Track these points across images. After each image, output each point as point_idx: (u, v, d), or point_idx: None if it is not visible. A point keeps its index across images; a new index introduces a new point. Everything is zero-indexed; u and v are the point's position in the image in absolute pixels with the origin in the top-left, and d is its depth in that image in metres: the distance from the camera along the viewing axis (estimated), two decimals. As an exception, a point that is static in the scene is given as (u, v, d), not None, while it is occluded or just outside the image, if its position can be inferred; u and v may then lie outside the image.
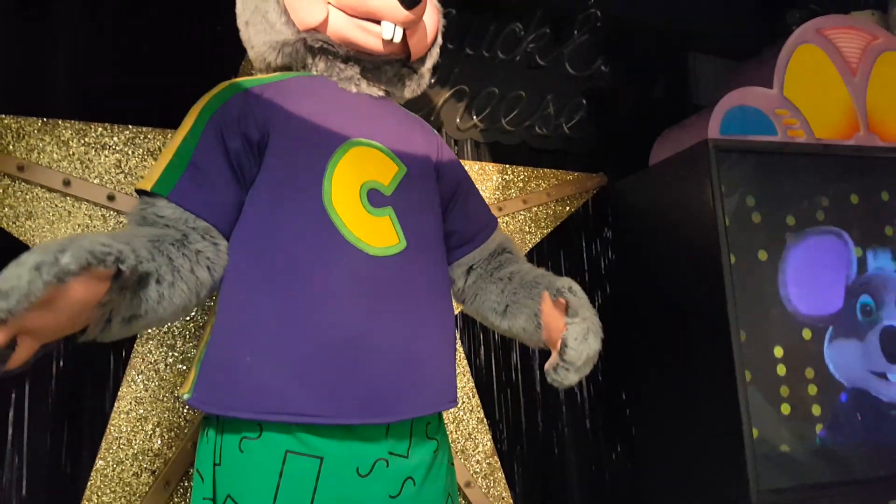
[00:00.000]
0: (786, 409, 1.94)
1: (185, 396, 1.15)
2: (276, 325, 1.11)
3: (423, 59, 1.42)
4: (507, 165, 2.22)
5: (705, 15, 2.87)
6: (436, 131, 1.51)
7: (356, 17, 1.27)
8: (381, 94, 1.39)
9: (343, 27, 1.27)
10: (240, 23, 1.38)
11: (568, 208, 2.30)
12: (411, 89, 1.45)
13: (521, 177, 2.22)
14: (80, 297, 0.87)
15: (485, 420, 2.06)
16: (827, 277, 2.08)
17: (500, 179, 2.17)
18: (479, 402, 2.06)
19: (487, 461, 2.03)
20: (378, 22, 1.27)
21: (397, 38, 1.28)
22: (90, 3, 1.86)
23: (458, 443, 2.00)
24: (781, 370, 1.96)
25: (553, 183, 2.27)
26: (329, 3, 1.27)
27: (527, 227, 2.20)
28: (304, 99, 1.26)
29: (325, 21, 1.26)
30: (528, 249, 2.22)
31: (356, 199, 1.20)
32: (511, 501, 2.04)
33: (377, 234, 1.20)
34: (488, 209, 1.56)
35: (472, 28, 2.34)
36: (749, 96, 2.07)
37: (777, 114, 2.07)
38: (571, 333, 1.22)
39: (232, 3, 1.45)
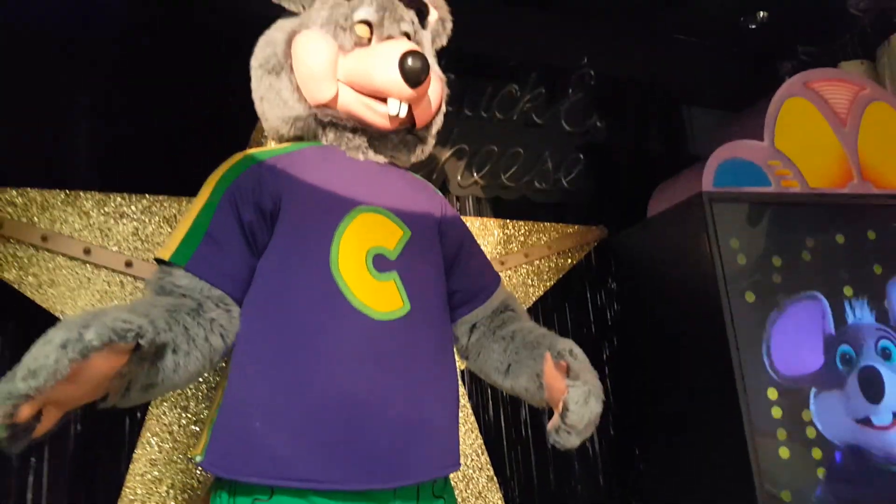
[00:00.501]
0: (784, 453, 2.00)
1: (198, 459, 1.21)
2: (283, 391, 1.16)
3: (427, 127, 1.51)
4: (508, 220, 2.32)
5: (698, 69, 3.01)
6: (439, 192, 1.59)
7: (364, 94, 1.36)
8: (387, 160, 1.47)
9: (352, 104, 1.37)
10: (255, 97, 1.47)
11: (570, 261, 2.40)
12: (416, 155, 1.53)
13: (522, 231, 2.32)
14: (103, 370, 0.95)
15: (495, 478, 2.11)
16: (806, 339, 2.16)
17: (501, 234, 2.27)
18: (488, 459, 2.11)
19: (498, 518, 2.07)
20: (384, 100, 1.36)
21: (402, 114, 1.36)
22: (107, 80, 2.01)
23: (469, 501, 2.04)
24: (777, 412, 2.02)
25: (554, 236, 2.37)
26: (339, 80, 1.37)
27: (529, 281, 2.29)
28: (314, 168, 1.34)
29: (335, 98, 1.36)
30: (532, 302, 2.31)
31: (362, 264, 1.26)
32: (522, 558, 2.09)
33: (382, 298, 1.25)
34: (491, 267, 1.62)
35: (469, 90, 2.49)
36: (741, 149, 2.18)
37: (770, 165, 2.18)
38: (573, 397, 1.22)
39: (241, 76, 1.56)
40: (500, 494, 2.08)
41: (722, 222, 2.07)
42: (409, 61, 1.29)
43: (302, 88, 1.35)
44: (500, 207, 2.47)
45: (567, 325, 2.55)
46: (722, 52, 3.05)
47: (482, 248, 1.64)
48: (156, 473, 1.74)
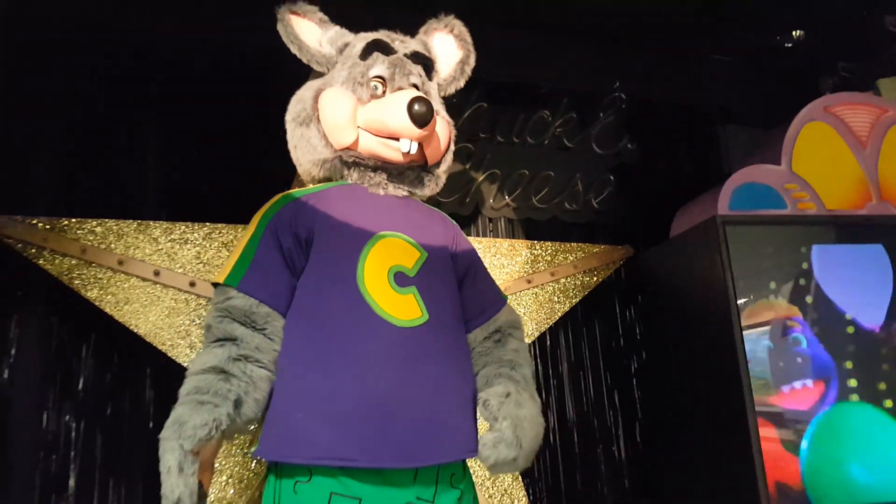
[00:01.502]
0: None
1: (253, 450, 1.52)
2: (320, 387, 1.43)
3: (438, 164, 1.77)
4: (536, 241, 2.56)
5: (734, 88, 3.17)
6: (453, 221, 1.84)
7: (380, 136, 1.64)
8: (405, 194, 1.73)
9: (371, 145, 1.65)
10: (290, 146, 1.76)
11: (595, 279, 2.61)
12: (430, 189, 1.79)
13: (549, 251, 2.55)
14: (209, 453, 1.39)
15: (520, 478, 2.35)
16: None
17: (529, 254, 2.50)
18: (514, 460, 2.35)
19: (523, 515, 2.31)
20: (397, 139, 1.63)
21: (413, 150, 1.63)
22: (174, 123, 2.36)
23: (495, 497, 2.29)
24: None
25: (580, 256, 2.59)
26: (359, 127, 1.65)
27: (556, 298, 2.52)
28: (341, 203, 1.62)
29: (356, 141, 1.65)
30: (558, 318, 2.53)
31: (385, 280, 1.52)
32: (546, 553, 2.32)
33: (403, 308, 1.50)
34: (497, 291, 1.81)
35: (502, 118, 2.74)
36: (757, 173, 2.35)
37: (786, 188, 2.34)
38: (484, 438, 1.48)
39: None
40: (524, 492, 2.31)
41: (735, 244, 2.25)
42: (416, 106, 1.55)
43: (328, 135, 1.64)
44: (531, 228, 2.71)
45: (596, 339, 2.77)
46: (759, 71, 3.19)
47: (511, 268, 1.89)
48: (217, 465, 2.05)
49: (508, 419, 1.49)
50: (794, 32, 3.03)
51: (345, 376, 1.42)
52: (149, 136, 2.36)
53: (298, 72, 1.79)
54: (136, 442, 2.17)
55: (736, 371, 2.17)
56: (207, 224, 2.19)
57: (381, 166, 1.68)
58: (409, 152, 1.63)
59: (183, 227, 2.17)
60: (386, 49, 1.71)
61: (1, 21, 2.23)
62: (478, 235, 2.66)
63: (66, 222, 2.07)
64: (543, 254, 2.54)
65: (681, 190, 2.80)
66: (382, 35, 1.76)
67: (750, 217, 2.29)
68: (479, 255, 1.83)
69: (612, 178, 2.83)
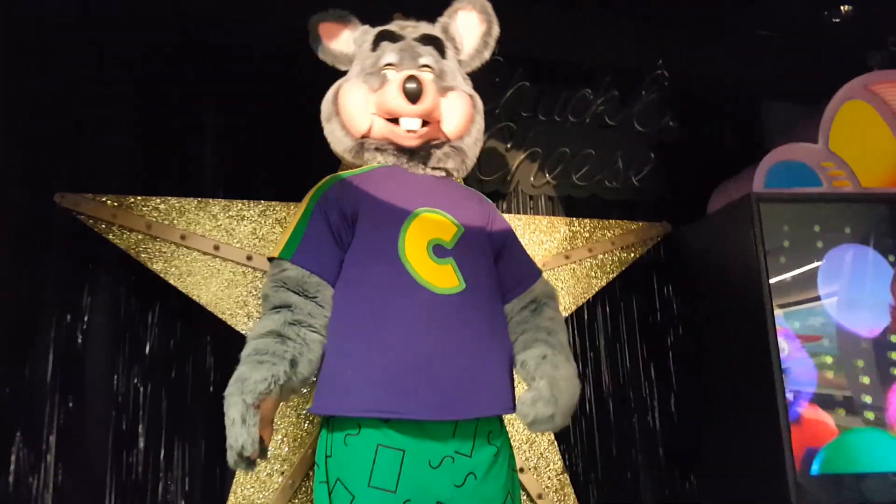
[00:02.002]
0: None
1: (308, 408, 1.70)
2: (366, 348, 1.59)
3: (461, 139, 1.90)
4: (575, 218, 2.66)
5: (779, 64, 3.19)
6: (489, 200, 1.98)
7: (388, 119, 1.81)
8: (443, 174, 1.89)
9: (383, 130, 1.82)
10: (326, 136, 1.96)
11: (633, 255, 2.72)
12: (459, 164, 1.92)
13: (588, 227, 2.66)
14: (269, 408, 1.55)
15: (555, 442, 2.48)
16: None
17: (567, 231, 2.62)
18: (550, 426, 2.49)
19: (558, 478, 2.45)
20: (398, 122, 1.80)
21: (415, 127, 1.78)
22: (232, 105, 2.55)
23: (531, 461, 2.44)
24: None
25: (618, 232, 2.69)
26: (373, 114, 1.82)
27: (593, 273, 2.63)
28: (383, 183, 1.78)
29: (371, 128, 1.83)
30: (595, 292, 2.65)
31: (424, 252, 1.67)
32: (580, 514, 2.46)
33: (442, 277, 1.65)
34: (532, 265, 1.93)
35: (544, 97, 2.84)
36: (793, 151, 2.42)
37: (822, 166, 2.40)
38: (523, 396, 1.62)
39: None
40: (559, 456, 2.45)
41: (769, 221, 2.32)
42: (407, 84, 1.71)
43: (346, 126, 1.85)
44: (570, 205, 2.82)
45: (633, 313, 2.87)
46: (805, 47, 3.20)
47: (549, 244, 2.01)
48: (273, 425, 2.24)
49: (545, 378, 1.62)
50: (842, 7, 3.03)
51: (388, 338, 1.58)
52: (209, 120, 2.54)
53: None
54: (198, 403, 2.38)
55: (766, 347, 2.26)
56: (262, 202, 2.36)
57: (403, 150, 1.84)
58: (413, 130, 1.79)
59: (240, 205, 2.34)
60: (393, 37, 1.88)
61: (68, 8, 2.42)
62: (518, 212, 2.77)
63: (132, 200, 2.27)
64: (581, 230, 2.65)
65: (721, 168, 2.87)
66: (393, 25, 1.93)
67: (784, 195, 2.36)
68: (519, 231, 1.98)
69: (652, 155, 2.91)
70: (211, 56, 2.55)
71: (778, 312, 2.30)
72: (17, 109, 2.32)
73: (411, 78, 1.72)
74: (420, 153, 1.86)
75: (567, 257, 2.59)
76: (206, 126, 2.53)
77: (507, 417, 1.84)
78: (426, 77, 1.81)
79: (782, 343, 2.28)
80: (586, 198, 2.86)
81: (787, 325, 2.33)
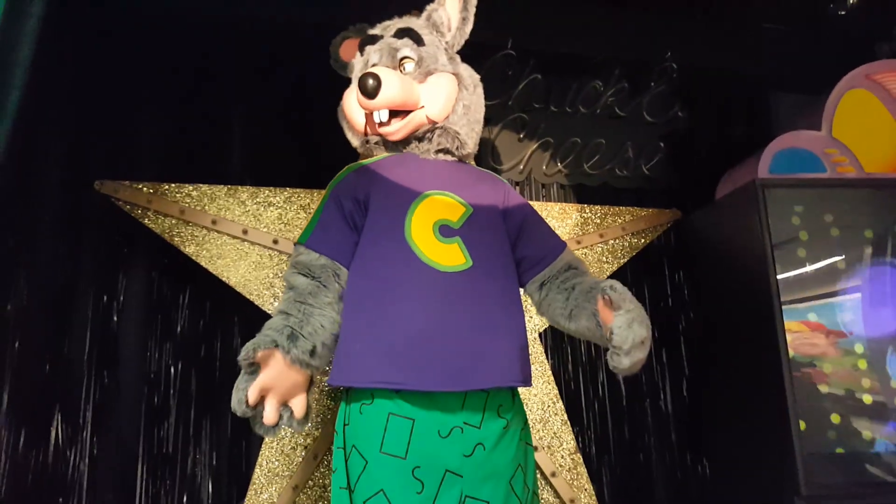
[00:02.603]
0: (836, 418, 2.38)
1: (326, 381, 1.83)
2: (375, 323, 1.67)
3: (448, 120, 1.96)
4: (586, 205, 2.79)
5: (785, 55, 3.30)
6: (504, 181, 2.08)
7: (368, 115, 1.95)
8: (453, 158, 2.00)
9: (370, 126, 1.97)
10: None
11: (643, 241, 2.84)
12: (459, 145, 1.98)
13: (598, 214, 2.79)
14: (293, 381, 1.63)
15: (568, 422, 2.60)
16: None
17: (579, 217, 2.75)
18: (562, 406, 2.60)
19: (571, 457, 2.57)
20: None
21: (384, 119, 1.88)
22: (258, 97, 2.70)
23: (545, 440, 2.56)
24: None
25: (628, 219, 2.82)
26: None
27: (604, 258, 2.76)
28: (394, 169, 1.91)
29: (365, 126, 1.98)
30: (606, 277, 2.75)
31: (429, 232, 1.76)
32: (593, 493, 2.58)
33: (447, 256, 1.74)
34: (555, 236, 2.01)
35: (555, 88, 2.97)
36: (798, 139, 2.53)
37: (826, 153, 2.52)
38: (616, 322, 1.59)
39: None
40: (572, 436, 2.58)
41: (774, 206, 2.44)
42: (363, 81, 1.79)
43: (351, 126, 2.03)
44: (582, 193, 2.94)
45: (645, 298, 2.99)
46: (811, 39, 3.31)
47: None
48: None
49: (634, 301, 1.64)
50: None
51: (394, 314, 1.68)
52: (237, 110, 2.70)
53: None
54: (226, 381, 2.51)
55: (773, 331, 2.37)
56: (288, 189, 2.51)
57: (402, 142, 1.96)
58: (382, 122, 1.90)
59: (267, 192, 2.50)
60: (372, 39, 2.02)
61: (109, 6, 2.59)
62: (531, 200, 2.86)
63: (166, 187, 2.42)
64: (593, 217, 2.78)
65: (728, 156, 2.96)
66: (377, 28, 2.08)
67: (788, 180, 2.48)
68: (532, 214, 2.06)
69: (662, 145, 3.04)
70: (241, 49, 2.71)
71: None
72: (58, 99, 2.48)
73: (367, 75, 1.80)
74: (422, 140, 1.97)
75: (578, 242, 2.71)
76: (235, 116, 2.70)
77: (522, 393, 1.94)
78: (384, 73, 1.85)
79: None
80: (597, 186, 2.98)
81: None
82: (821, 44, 3.32)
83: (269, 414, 1.59)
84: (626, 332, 1.57)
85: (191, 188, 2.45)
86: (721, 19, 3.23)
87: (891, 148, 2.56)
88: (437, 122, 1.95)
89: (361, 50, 2.04)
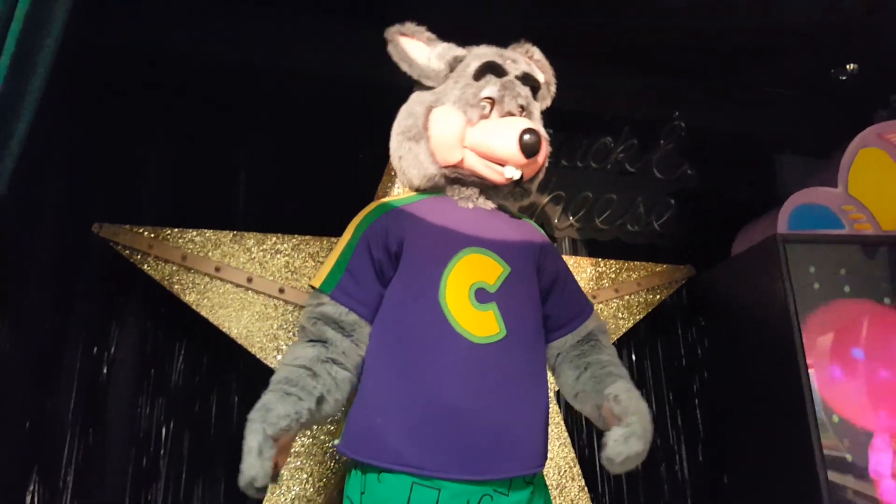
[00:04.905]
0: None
1: (336, 442, 1.71)
2: (398, 396, 1.58)
3: (532, 180, 1.85)
4: (600, 259, 2.75)
5: (789, 119, 3.39)
6: (539, 228, 1.96)
7: (486, 158, 1.77)
8: (494, 206, 1.86)
9: (475, 165, 1.78)
10: (393, 156, 1.92)
11: (658, 297, 2.80)
12: (521, 203, 1.93)
13: (613, 269, 2.75)
14: (287, 441, 1.54)
15: (586, 488, 2.49)
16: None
17: (593, 271, 2.71)
18: (580, 471, 2.49)
19: (588, 524, 2.48)
20: (503, 164, 1.75)
21: (516, 177, 1.74)
22: (264, 141, 2.65)
23: (562, 506, 2.46)
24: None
25: (643, 274, 2.78)
26: (465, 146, 1.78)
27: (619, 314, 2.71)
28: (430, 217, 1.77)
29: (462, 161, 1.78)
30: (622, 334, 2.71)
31: (465, 297, 1.63)
32: (611, 562, 2.47)
33: (481, 325, 1.61)
34: (583, 297, 1.90)
35: (567, 143, 2.97)
36: (815, 195, 2.54)
37: (843, 210, 2.53)
38: (613, 434, 1.51)
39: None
40: (590, 502, 2.48)
41: (795, 262, 2.44)
42: (527, 137, 1.66)
43: (436, 153, 1.79)
44: (594, 248, 2.91)
45: (659, 358, 2.93)
46: (813, 103, 3.41)
47: None
48: (298, 464, 2.25)
49: (637, 414, 1.54)
50: (848, 66, 3.24)
51: (421, 388, 1.56)
52: (244, 153, 2.64)
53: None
54: (220, 441, 2.39)
55: (799, 388, 2.32)
56: (296, 236, 2.42)
57: (479, 183, 1.81)
58: (512, 178, 1.76)
59: (274, 238, 2.40)
60: (499, 71, 1.82)
61: (111, 44, 2.55)
62: (543, 254, 2.86)
63: (168, 231, 2.32)
64: (608, 271, 2.74)
65: (738, 215, 2.98)
66: (495, 55, 1.87)
67: (810, 236, 2.47)
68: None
69: (672, 202, 3.05)
70: (247, 96, 2.67)
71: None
72: (58, 140, 2.40)
73: (531, 132, 1.67)
74: (489, 187, 1.83)
75: (594, 297, 2.66)
76: (242, 161, 2.63)
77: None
78: (540, 129, 1.79)
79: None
80: (609, 241, 2.96)
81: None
82: (822, 108, 3.41)
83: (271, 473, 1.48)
84: (622, 446, 1.50)
85: (194, 233, 2.35)
86: (727, 82, 3.30)
87: (906, 205, 2.60)
88: (524, 181, 1.82)
89: (481, 75, 1.83)
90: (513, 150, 1.70)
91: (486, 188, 1.83)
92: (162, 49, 2.62)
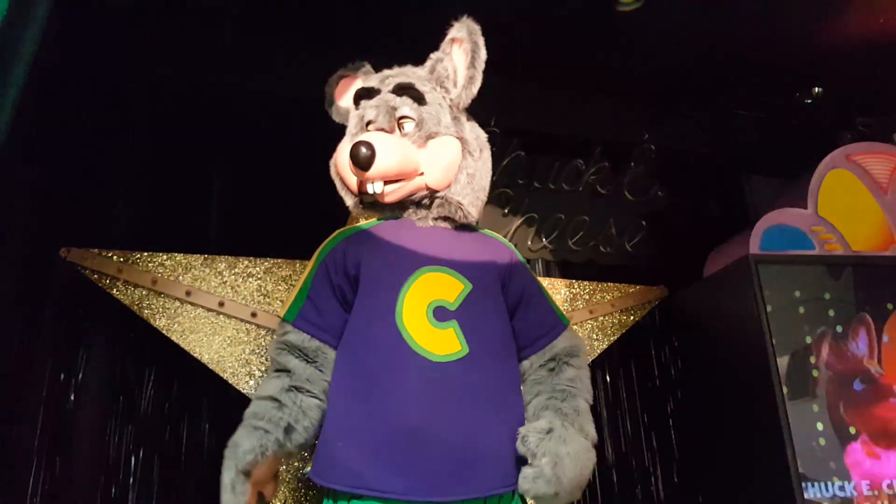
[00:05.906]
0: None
1: (307, 470, 1.71)
2: (359, 419, 1.57)
3: (450, 189, 1.77)
4: (574, 280, 2.77)
5: (757, 141, 3.44)
6: (510, 245, 1.91)
7: (341, 179, 1.80)
8: (454, 226, 1.80)
9: (363, 188, 1.74)
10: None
11: (632, 318, 2.82)
12: (461, 214, 1.78)
13: (587, 290, 2.76)
14: (262, 472, 1.57)
15: (562, 511, 2.50)
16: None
17: (567, 293, 2.72)
18: (556, 493, 2.51)
19: (565, 548, 2.46)
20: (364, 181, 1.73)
21: (378, 190, 1.70)
22: (236, 166, 2.63)
23: (538, 529, 2.44)
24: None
25: (617, 295, 2.80)
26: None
27: (594, 335, 2.72)
28: (388, 238, 1.76)
29: (361, 183, 1.74)
30: (597, 355, 2.73)
31: (423, 316, 1.62)
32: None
33: (441, 343, 1.60)
34: (552, 318, 1.84)
35: (539, 166, 2.99)
36: (786, 216, 2.58)
37: (814, 230, 2.57)
38: (523, 472, 1.54)
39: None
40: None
41: (767, 282, 2.46)
42: (357, 150, 1.62)
43: (344, 185, 1.82)
44: (567, 270, 2.92)
45: (633, 380, 2.94)
46: (780, 125, 3.47)
47: None
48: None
49: (548, 456, 1.51)
50: (813, 89, 3.31)
51: (381, 410, 1.56)
52: (215, 178, 2.61)
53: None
54: (191, 469, 2.34)
55: (774, 407, 2.35)
56: (268, 259, 2.41)
57: (398, 205, 1.79)
58: (374, 193, 1.72)
59: (246, 262, 2.39)
60: (369, 93, 1.81)
61: (78, 67, 2.52)
62: (517, 276, 2.86)
63: (138, 255, 2.30)
64: (581, 292, 2.76)
65: (709, 235, 3.02)
66: (374, 78, 1.87)
67: (782, 256, 2.51)
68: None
69: (643, 223, 3.08)
70: (218, 119, 2.63)
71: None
72: (23, 163, 2.37)
73: (361, 144, 1.63)
74: (420, 206, 1.81)
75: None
76: (213, 184, 2.60)
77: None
78: (379, 140, 1.69)
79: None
80: (582, 263, 2.97)
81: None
82: (789, 131, 3.47)
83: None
84: (530, 484, 1.53)
85: (164, 257, 2.33)
86: (695, 105, 3.35)
87: (874, 227, 2.63)
88: (437, 192, 1.77)
89: (357, 103, 1.85)
90: (350, 166, 1.70)
91: (421, 206, 1.81)
92: (130, 72, 2.59)
